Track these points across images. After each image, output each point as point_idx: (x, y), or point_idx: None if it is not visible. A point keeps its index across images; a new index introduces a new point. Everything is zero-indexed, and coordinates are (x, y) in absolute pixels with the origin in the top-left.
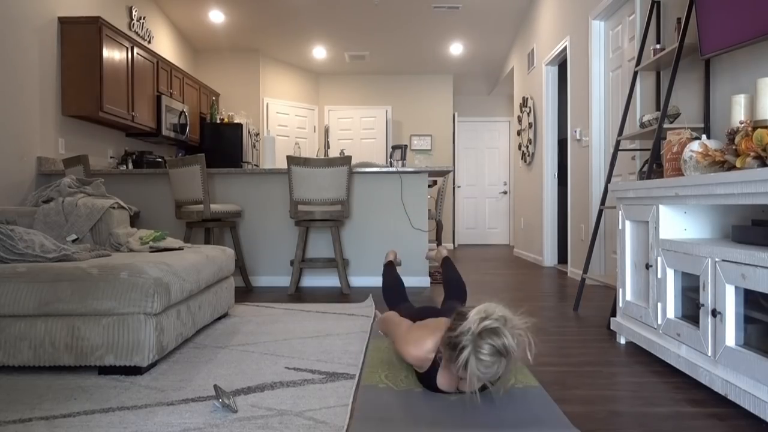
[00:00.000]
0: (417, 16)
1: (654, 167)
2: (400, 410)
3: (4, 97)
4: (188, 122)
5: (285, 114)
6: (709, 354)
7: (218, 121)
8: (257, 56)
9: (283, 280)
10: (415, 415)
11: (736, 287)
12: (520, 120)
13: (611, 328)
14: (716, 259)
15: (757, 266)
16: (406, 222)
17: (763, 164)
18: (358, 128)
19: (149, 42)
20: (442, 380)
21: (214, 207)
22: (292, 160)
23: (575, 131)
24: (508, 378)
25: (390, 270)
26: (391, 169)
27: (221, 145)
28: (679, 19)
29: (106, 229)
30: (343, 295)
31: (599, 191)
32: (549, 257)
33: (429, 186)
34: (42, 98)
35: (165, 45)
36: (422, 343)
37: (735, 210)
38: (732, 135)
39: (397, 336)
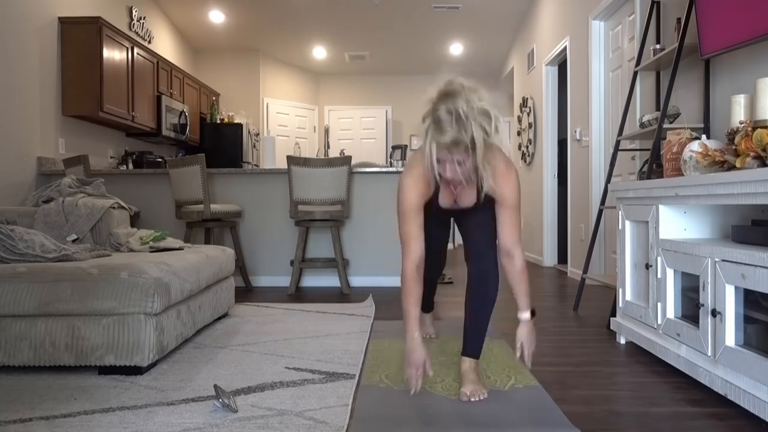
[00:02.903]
0: (417, 16)
1: (654, 167)
2: (400, 410)
3: (4, 97)
4: (188, 122)
5: (285, 114)
6: (709, 354)
7: (218, 121)
8: (257, 56)
9: (283, 280)
10: (415, 415)
11: (736, 287)
12: (520, 120)
13: (611, 328)
14: (716, 259)
15: (756, 266)
16: None
17: (763, 164)
18: (358, 128)
19: (149, 42)
20: (442, 197)
21: (214, 207)
22: (292, 160)
23: (575, 131)
24: (486, 160)
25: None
26: (391, 169)
27: (221, 145)
28: (679, 19)
29: (106, 229)
30: (343, 295)
31: (599, 191)
32: (549, 257)
33: None
34: (42, 98)
35: (165, 45)
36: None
37: (735, 210)
38: (732, 135)
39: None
